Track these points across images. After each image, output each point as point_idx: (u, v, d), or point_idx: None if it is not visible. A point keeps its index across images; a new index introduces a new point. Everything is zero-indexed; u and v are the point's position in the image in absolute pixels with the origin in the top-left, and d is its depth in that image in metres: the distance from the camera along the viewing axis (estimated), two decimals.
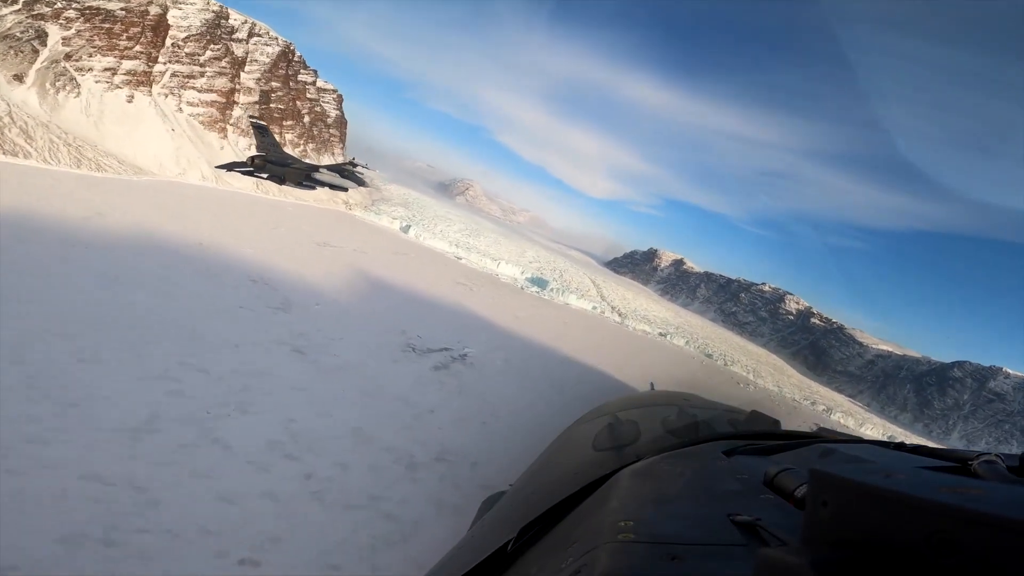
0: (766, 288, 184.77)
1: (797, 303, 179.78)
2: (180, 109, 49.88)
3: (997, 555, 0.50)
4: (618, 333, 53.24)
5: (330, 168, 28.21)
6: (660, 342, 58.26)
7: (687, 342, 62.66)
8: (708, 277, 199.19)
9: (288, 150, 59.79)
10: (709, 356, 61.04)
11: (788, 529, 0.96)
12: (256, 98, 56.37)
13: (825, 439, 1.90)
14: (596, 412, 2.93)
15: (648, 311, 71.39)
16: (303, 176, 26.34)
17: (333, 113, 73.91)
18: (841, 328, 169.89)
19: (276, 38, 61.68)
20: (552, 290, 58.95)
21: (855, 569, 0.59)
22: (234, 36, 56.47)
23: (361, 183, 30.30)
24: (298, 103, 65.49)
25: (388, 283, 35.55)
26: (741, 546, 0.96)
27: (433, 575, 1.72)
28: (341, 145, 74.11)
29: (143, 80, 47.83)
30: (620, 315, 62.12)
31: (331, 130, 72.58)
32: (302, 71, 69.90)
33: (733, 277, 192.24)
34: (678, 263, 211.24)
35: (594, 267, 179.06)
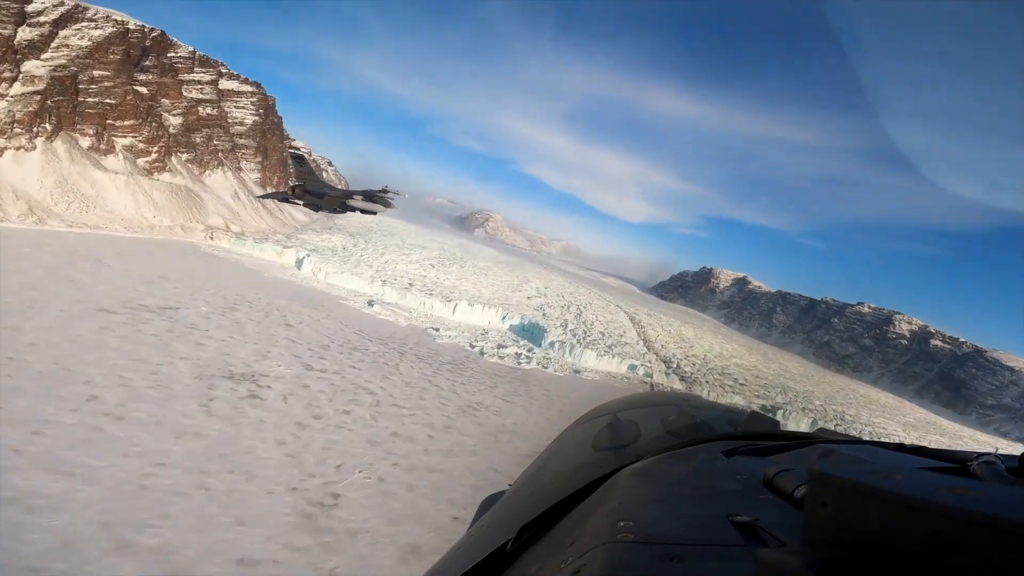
0: (865, 309, 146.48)
1: (909, 323, 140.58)
2: None
3: (996, 556, 0.49)
4: None
5: (364, 195, 30.38)
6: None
7: (813, 420, 34.37)
8: (784, 298, 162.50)
9: (119, 159, 39.99)
10: None
11: (787, 530, 0.95)
12: (41, 87, 37.60)
13: (825, 439, 1.88)
14: (596, 412, 2.82)
15: (726, 357, 44.67)
16: (338, 203, 28.75)
17: (249, 120, 54.97)
18: (978, 351, 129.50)
19: (124, 22, 43.63)
20: (553, 345, 33.05)
21: (854, 570, 0.58)
22: (32, 20, 39.60)
23: (388, 206, 31.61)
24: (165, 100, 46.44)
25: None
26: (740, 546, 0.96)
27: (433, 575, 1.72)
28: (259, 158, 54.40)
29: None
30: (683, 378, 35.10)
31: (242, 140, 53.29)
32: (197, 70, 51.80)
33: (817, 298, 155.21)
34: (741, 282, 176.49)
35: (636, 296, 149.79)
